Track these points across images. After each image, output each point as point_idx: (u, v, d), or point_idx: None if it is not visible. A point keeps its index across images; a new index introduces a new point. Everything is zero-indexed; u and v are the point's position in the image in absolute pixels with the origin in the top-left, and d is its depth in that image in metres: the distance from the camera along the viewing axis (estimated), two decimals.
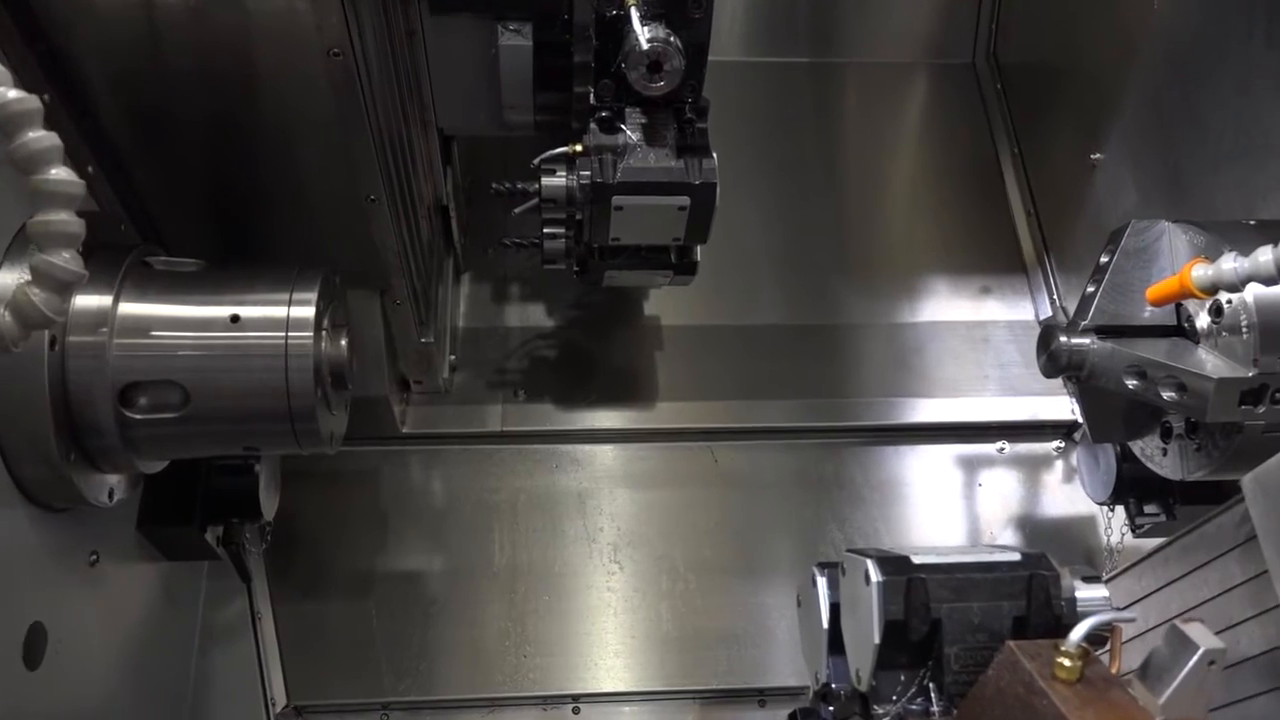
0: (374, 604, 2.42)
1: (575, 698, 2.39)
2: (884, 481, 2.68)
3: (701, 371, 2.73)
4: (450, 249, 2.68)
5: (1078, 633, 1.10)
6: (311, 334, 1.59)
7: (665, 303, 2.79)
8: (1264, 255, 1.39)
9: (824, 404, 2.73)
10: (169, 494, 1.94)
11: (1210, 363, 1.67)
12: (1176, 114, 2.31)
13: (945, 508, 2.66)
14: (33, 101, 1.10)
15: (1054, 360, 1.81)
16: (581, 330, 2.76)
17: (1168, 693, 1.06)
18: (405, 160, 2.05)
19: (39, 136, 1.10)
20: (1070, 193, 2.76)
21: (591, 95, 1.89)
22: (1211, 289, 1.49)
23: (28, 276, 1.23)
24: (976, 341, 2.85)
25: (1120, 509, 2.29)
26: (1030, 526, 2.64)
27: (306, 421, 1.61)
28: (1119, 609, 1.23)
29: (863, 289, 2.94)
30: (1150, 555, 1.66)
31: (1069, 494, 2.63)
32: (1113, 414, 1.94)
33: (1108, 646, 1.22)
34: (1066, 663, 1.10)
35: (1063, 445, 2.71)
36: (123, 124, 1.71)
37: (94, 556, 1.75)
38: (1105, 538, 2.43)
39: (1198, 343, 1.74)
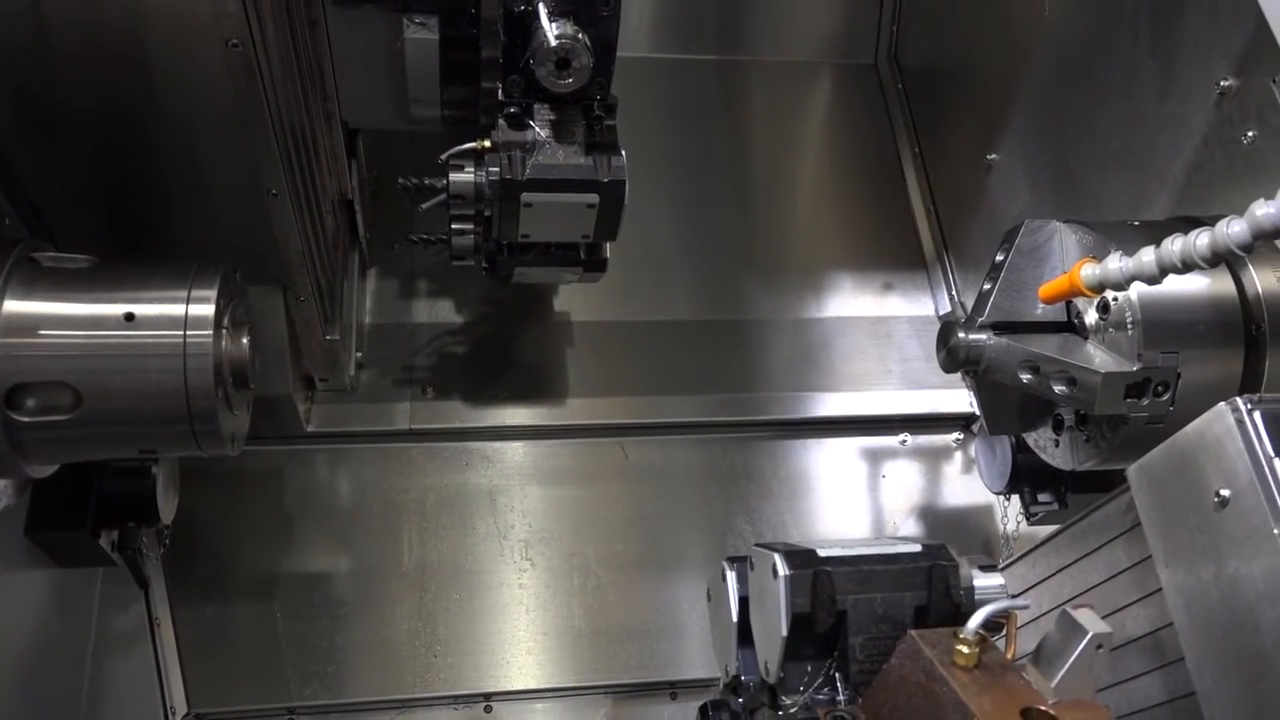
0: (279, 607, 2.37)
1: (487, 696, 2.39)
2: (791, 474, 2.73)
3: (612, 367, 2.74)
4: (356, 244, 2.64)
5: (974, 621, 1.14)
6: (211, 332, 1.54)
7: (575, 298, 2.80)
8: (1146, 256, 1.45)
9: (732, 399, 2.77)
10: (60, 498, 1.87)
11: (1098, 358, 1.73)
12: (1066, 117, 2.40)
13: (850, 499, 2.72)
14: None
15: (953, 356, 1.86)
16: (491, 326, 2.75)
17: (1059, 675, 1.10)
18: (308, 153, 2.01)
19: None
20: (967, 192, 2.85)
21: (500, 91, 1.88)
22: (1099, 287, 1.55)
23: None
24: (879, 336, 2.92)
25: (1016, 498, 2.38)
26: (932, 516, 2.72)
27: (207, 423, 1.56)
28: (1013, 596, 1.27)
29: (769, 285, 2.98)
30: (1043, 543, 1.72)
31: (968, 484, 2.71)
32: (1008, 407, 2.00)
33: (1004, 632, 1.27)
34: (965, 649, 1.14)
35: (961, 437, 2.79)
36: (3, 110, 1.64)
37: None
38: (1002, 526, 2.51)
39: (1087, 338, 1.81)
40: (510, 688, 2.39)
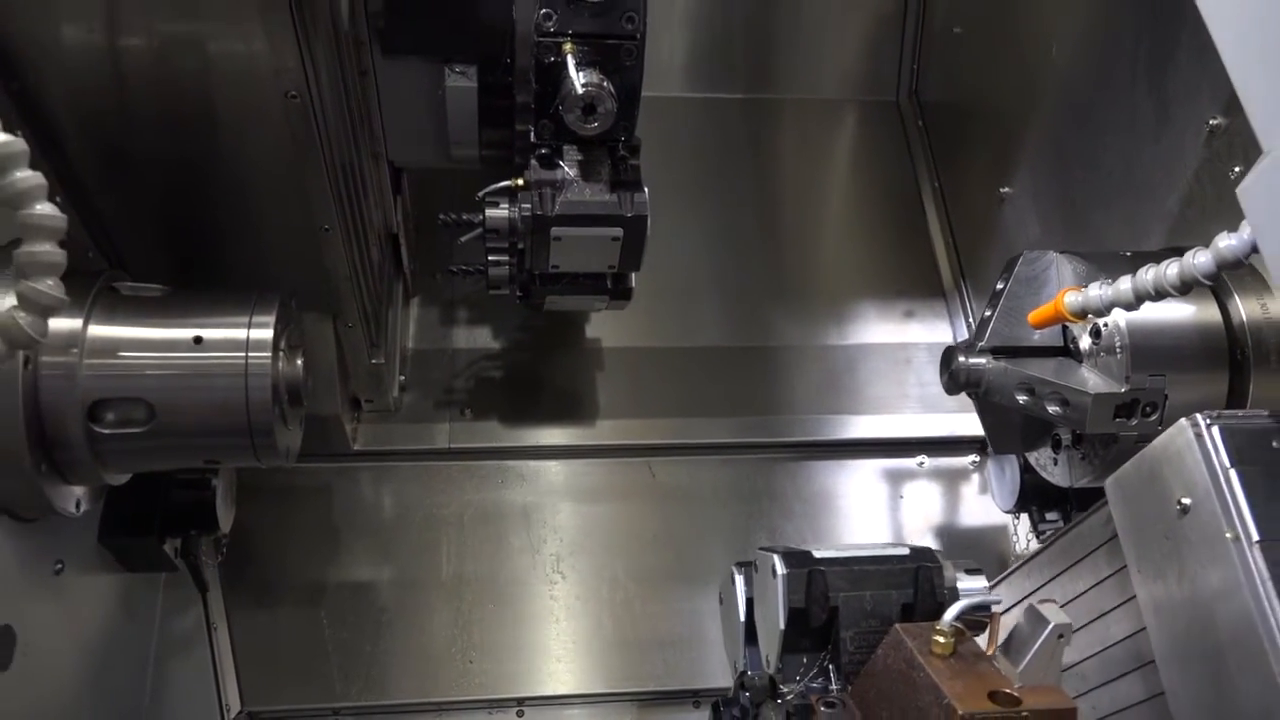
0: (325, 613, 2.53)
1: (519, 701, 2.52)
2: (813, 494, 2.84)
3: (641, 391, 2.88)
4: (400, 274, 2.81)
5: (949, 614, 1.26)
6: (270, 354, 1.71)
7: (606, 325, 2.94)
8: (1124, 284, 1.57)
9: (757, 421, 2.90)
10: (130, 507, 2.03)
11: (1090, 380, 1.85)
12: (1072, 153, 2.51)
13: (870, 519, 2.83)
14: (19, 144, 1.22)
15: (954, 378, 1.98)
16: (526, 352, 2.90)
17: (1024, 662, 1.22)
18: (357, 191, 2.18)
19: (26, 176, 1.22)
20: (983, 224, 2.96)
21: (532, 134, 2.04)
22: (1081, 313, 1.67)
23: (9, 301, 1.36)
24: (899, 362, 3.03)
25: (1025, 516, 2.48)
26: (948, 535, 2.82)
27: (265, 436, 1.73)
28: (991, 596, 1.39)
29: (794, 312, 3.11)
30: (1036, 554, 1.83)
31: (983, 504, 2.81)
32: (1010, 428, 2.11)
33: (987, 629, 1.38)
34: (941, 640, 1.26)
35: (978, 459, 2.89)
36: (89, 158, 1.83)
37: (59, 565, 1.85)
38: (1014, 543, 2.61)
39: (1081, 362, 1.92)
40: (541, 693, 2.52)
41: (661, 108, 3.42)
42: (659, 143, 3.28)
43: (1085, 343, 1.91)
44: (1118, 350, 1.81)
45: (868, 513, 2.83)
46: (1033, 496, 2.38)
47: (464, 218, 2.15)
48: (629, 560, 2.68)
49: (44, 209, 1.23)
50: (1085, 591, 1.66)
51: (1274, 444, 1.35)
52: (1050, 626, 1.21)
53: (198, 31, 1.70)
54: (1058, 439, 2.05)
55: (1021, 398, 1.92)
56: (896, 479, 2.89)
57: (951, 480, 2.88)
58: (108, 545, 2.04)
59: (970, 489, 2.87)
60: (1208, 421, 1.35)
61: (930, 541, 2.80)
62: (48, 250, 1.24)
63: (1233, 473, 1.31)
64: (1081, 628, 1.69)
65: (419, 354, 2.85)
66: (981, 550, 2.76)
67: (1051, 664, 1.23)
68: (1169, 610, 1.39)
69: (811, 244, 3.31)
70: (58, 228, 1.24)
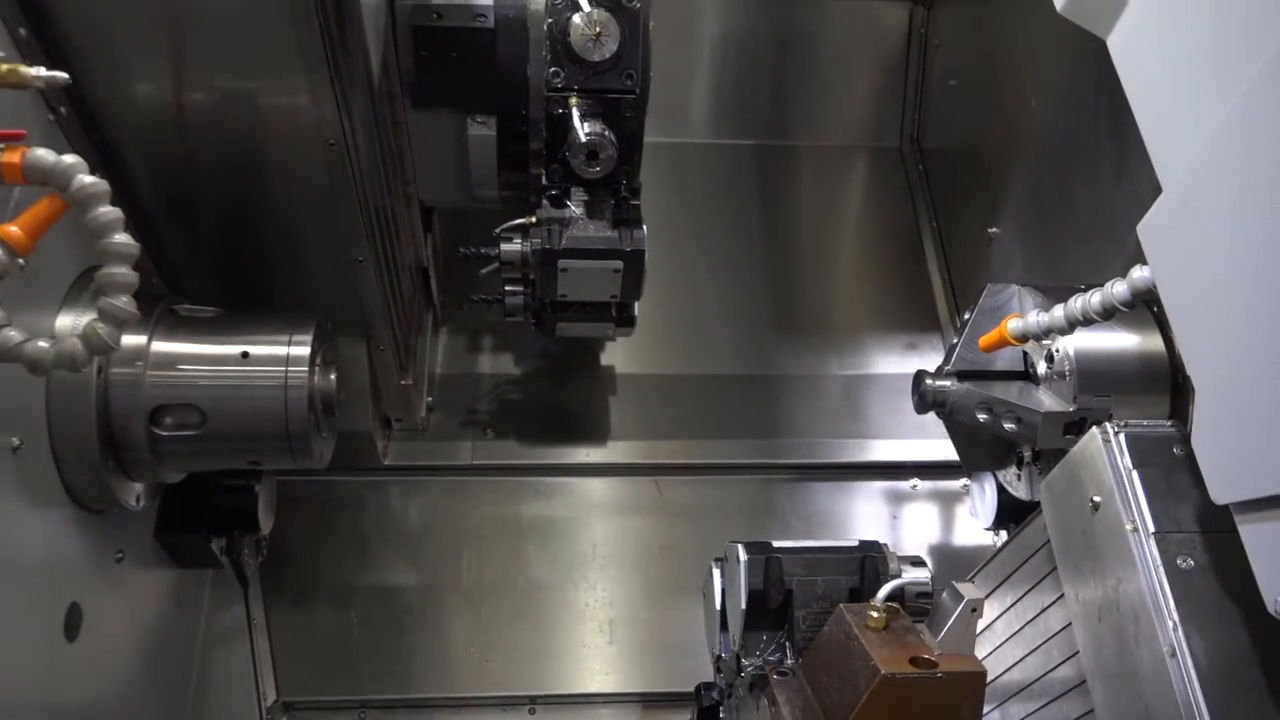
0: (355, 614, 2.75)
1: (532, 699, 2.72)
2: (811, 513, 3.02)
3: (651, 414, 3.09)
4: (430, 304, 3.06)
5: (881, 594, 1.46)
6: (306, 369, 1.95)
7: (619, 353, 3.17)
8: (1057, 311, 1.77)
9: (760, 444, 3.09)
10: (181, 507, 2.28)
11: (1044, 400, 2.04)
12: (1049, 197, 2.71)
13: (865, 536, 2.97)
14: (103, 185, 1.47)
15: (922, 399, 2.18)
16: (544, 378, 3.13)
17: (943, 632, 1.40)
18: (389, 228, 2.42)
19: (107, 210, 1.47)
20: (974, 261, 3.16)
21: (543, 176, 2.28)
22: (1023, 337, 1.87)
23: (85, 317, 1.61)
24: (895, 391, 3.20)
25: (1005, 533, 2.64)
26: (938, 552, 2.98)
27: (301, 441, 1.96)
28: (920, 578, 1.57)
29: (799, 344, 3.31)
30: (992, 558, 2.01)
31: (971, 524, 2.97)
32: (979, 447, 2.30)
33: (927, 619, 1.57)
34: (874, 614, 1.46)
35: (967, 483, 3.05)
36: (154, 197, 2.09)
37: (120, 555, 2.09)
38: None
39: (1038, 384, 2.11)
40: (553, 692, 2.72)
41: (682, 153, 3.67)
42: (678, 185, 3.55)
43: (1041, 368, 2.09)
44: (1068, 374, 1.99)
45: (864, 531, 3.01)
46: (1009, 514, 2.54)
47: (482, 251, 2.39)
48: (637, 571, 2.88)
49: (121, 238, 1.48)
50: (1031, 589, 1.84)
51: (1174, 450, 1.53)
52: (964, 601, 1.40)
53: (249, 88, 1.95)
54: (1020, 457, 2.23)
55: (981, 416, 2.11)
56: (891, 500, 3.06)
57: (943, 501, 3.06)
58: (162, 541, 2.28)
59: (960, 509, 3.04)
60: (1115, 429, 1.54)
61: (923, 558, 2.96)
62: (124, 272, 1.49)
63: (1135, 474, 1.50)
64: (1027, 624, 1.87)
65: (446, 378, 3.08)
66: (968, 565, 2.89)
67: (966, 634, 1.41)
68: (1085, 597, 1.57)
69: (817, 279, 3.51)
70: (132, 254, 1.49)
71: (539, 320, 2.53)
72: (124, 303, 1.49)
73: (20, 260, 1.44)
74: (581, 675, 2.75)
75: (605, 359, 3.18)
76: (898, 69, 3.65)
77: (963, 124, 3.33)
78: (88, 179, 1.46)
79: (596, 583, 2.85)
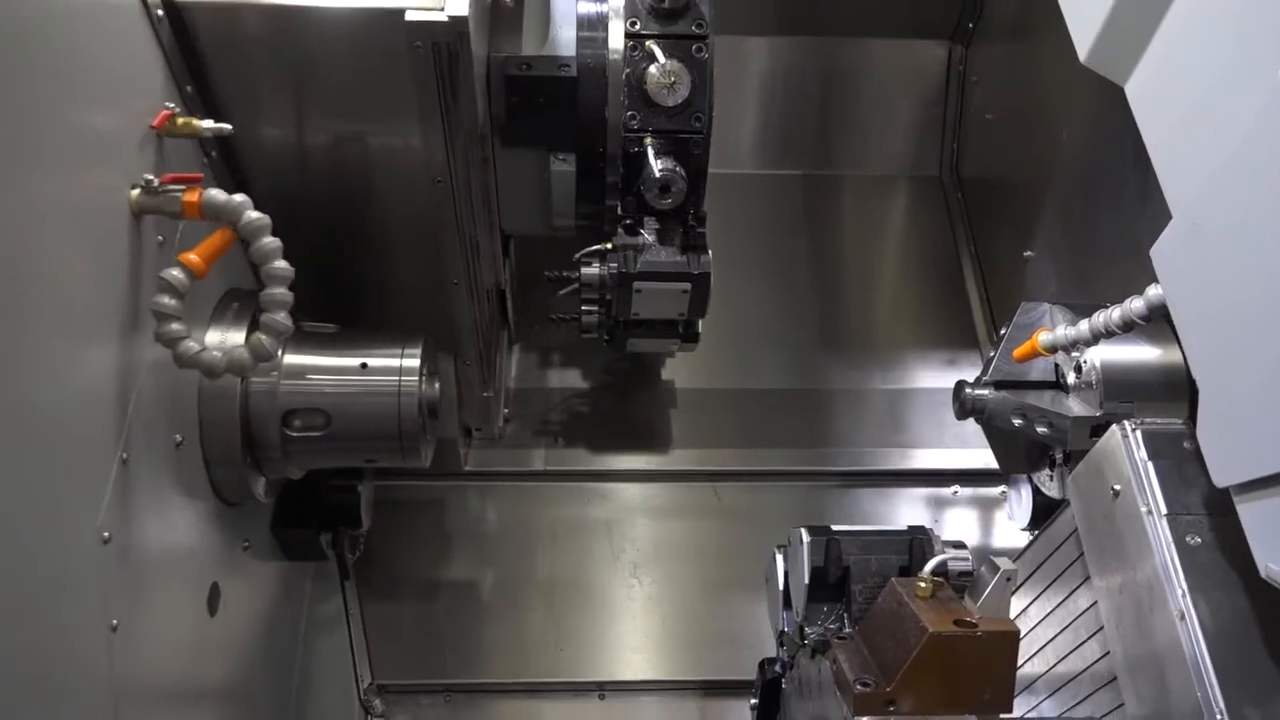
0: (440, 606, 3.01)
1: (600, 685, 2.96)
2: (857, 518, 3.24)
3: (708, 425, 3.34)
4: (505, 324, 3.33)
5: (927, 568, 1.70)
6: (417, 378, 2.22)
7: (679, 369, 3.42)
8: (1083, 325, 2.00)
9: (810, 453, 3.33)
10: (295, 505, 2.56)
11: (1074, 407, 2.26)
12: (1079, 221, 2.93)
13: None
14: (265, 219, 1.76)
15: (962, 406, 2.41)
16: (610, 391, 3.39)
17: (981, 599, 1.63)
18: (477, 254, 2.70)
19: (269, 241, 1.75)
20: (1010, 282, 3.38)
21: (619, 208, 2.54)
22: (1052, 348, 2.10)
23: (231, 332, 1.90)
24: (937, 404, 3.43)
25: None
26: (978, 553, 3.15)
27: (411, 441, 2.23)
28: (961, 559, 1.80)
29: (846, 360, 3.55)
30: (1027, 547, 2.23)
31: (1009, 526, 3.18)
32: (1016, 451, 2.53)
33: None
34: (922, 585, 1.69)
35: (1005, 489, 3.27)
36: (278, 227, 2.37)
37: (247, 544, 2.36)
38: None
39: (1068, 393, 2.33)
40: (620, 679, 2.96)
41: (734, 183, 3.92)
42: (730, 213, 3.80)
43: (1071, 377, 2.32)
44: (1095, 383, 2.22)
45: None
46: (1043, 516, 2.75)
47: (564, 274, 2.65)
48: (696, 569, 3.11)
49: (281, 264, 1.76)
50: (1062, 573, 2.05)
51: (1185, 444, 1.75)
52: (1000, 572, 1.62)
53: (368, 133, 2.24)
54: (1053, 459, 2.45)
55: (1017, 421, 2.33)
56: (933, 505, 3.28)
57: (982, 506, 3.27)
58: (277, 534, 2.56)
59: (998, 514, 3.25)
60: (1133, 426, 1.77)
61: None
62: (282, 293, 1.77)
63: (1150, 465, 1.73)
64: (1059, 606, 2.08)
65: (520, 391, 3.35)
66: None
67: (1002, 600, 1.63)
68: (1109, 574, 1.80)
69: (861, 299, 3.74)
70: (288, 277, 1.77)
71: (611, 337, 2.78)
72: (282, 318, 1.77)
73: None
74: (646, 664, 2.99)
75: (665, 374, 3.43)
76: (937, 103, 3.88)
77: (999, 154, 3.56)
78: (254, 214, 1.75)
79: (659, 579, 3.09)
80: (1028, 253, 3.24)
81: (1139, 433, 1.76)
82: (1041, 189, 3.17)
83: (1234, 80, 1.55)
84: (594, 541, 3.14)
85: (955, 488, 3.30)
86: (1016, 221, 3.37)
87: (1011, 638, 1.60)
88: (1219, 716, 1.51)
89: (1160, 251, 1.73)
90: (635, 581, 3.09)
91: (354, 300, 2.57)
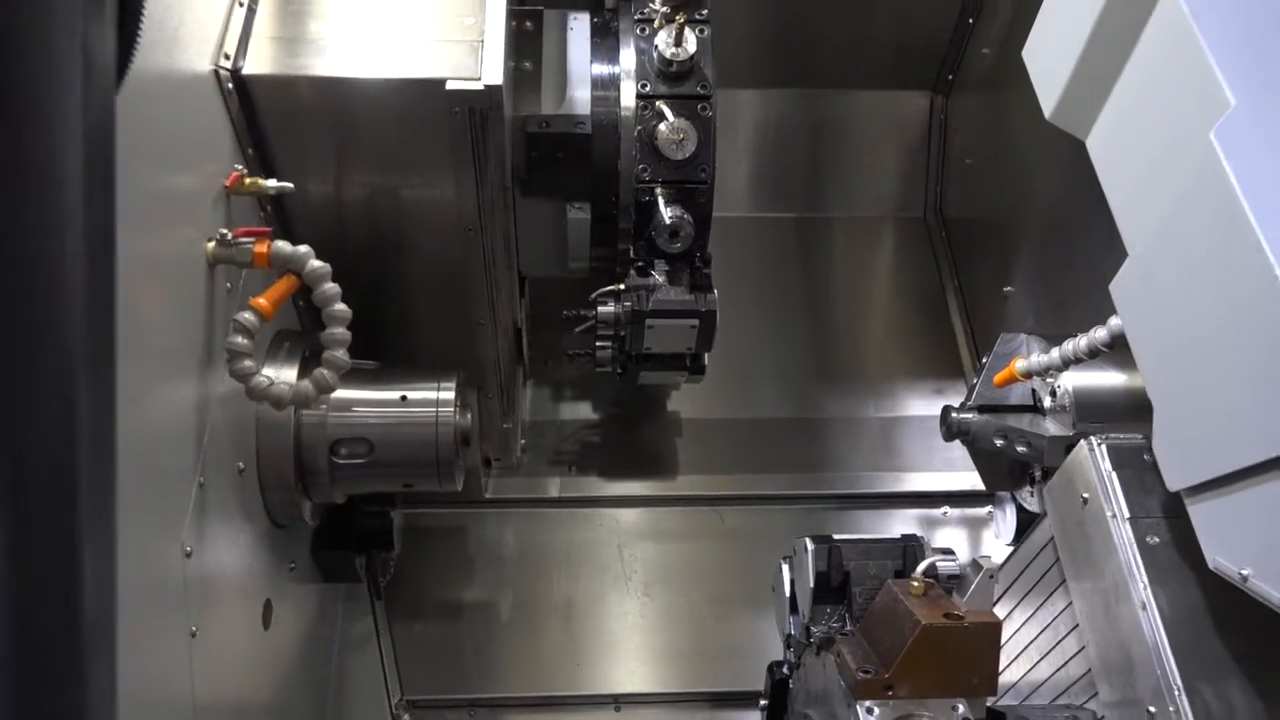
0: (464, 625, 3.20)
1: (615, 698, 3.14)
2: None
3: (713, 453, 3.55)
4: (521, 360, 3.55)
5: (919, 569, 1.91)
6: (453, 410, 2.44)
7: (683, 401, 3.64)
8: (1054, 353, 2.23)
9: (808, 477, 3.54)
10: (333, 529, 2.76)
11: (1050, 427, 2.48)
12: (1053, 259, 3.18)
13: None
14: (327, 267, 1.98)
15: (949, 429, 2.63)
16: (619, 422, 3.60)
17: (967, 595, 1.84)
18: (498, 295, 2.92)
19: (330, 286, 1.98)
20: (992, 316, 3.62)
21: (631, 251, 2.78)
22: (1028, 374, 2.33)
23: (285, 369, 2.12)
24: (925, 431, 3.65)
25: None
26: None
27: (448, 467, 2.44)
28: (949, 561, 2.01)
29: (840, 391, 3.77)
30: (1010, 555, 2.44)
31: (996, 544, 3.38)
32: (998, 469, 2.74)
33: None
34: (915, 584, 1.90)
35: (992, 508, 3.48)
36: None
37: (293, 565, 2.56)
38: None
39: (1045, 415, 2.55)
40: (634, 691, 3.14)
41: (731, 225, 4.15)
42: (728, 254, 4.03)
43: (1047, 401, 2.54)
44: (1068, 406, 2.44)
45: None
46: (1028, 530, 2.97)
47: (580, 313, 2.88)
48: (703, 587, 3.31)
49: (340, 307, 1.99)
50: (1041, 578, 2.27)
51: (1145, 456, 1.98)
52: (984, 570, 1.84)
53: (404, 185, 2.47)
54: (1032, 476, 2.67)
55: (998, 442, 2.56)
56: (925, 525, 3.49)
57: (970, 525, 3.48)
58: (317, 557, 2.76)
59: (985, 533, 3.47)
60: (1098, 441, 2.00)
61: None
62: (342, 332, 1.99)
63: (1114, 475, 1.95)
64: (1039, 609, 2.29)
65: (535, 424, 3.56)
66: None
67: (986, 595, 1.85)
68: (1081, 574, 2.01)
69: (853, 334, 3.98)
70: (347, 317, 2.00)
71: (624, 370, 3.01)
72: (342, 354, 1.99)
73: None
74: (658, 677, 3.18)
75: (671, 406, 3.65)
76: (920, 149, 4.15)
77: (979, 197, 3.82)
78: (317, 263, 1.98)
79: (669, 597, 3.29)
80: (1007, 288, 3.49)
81: (1104, 447, 1.99)
82: (1019, 229, 3.43)
83: (1175, 139, 1.79)
84: (606, 563, 3.34)
85: (945, 508, 3.51)
86: (997, 259, 3.62)
87: (995, 628, 1.81)
88: (1177, 693, 1.72)
89: (1118, 287, 1.96)
90: (647, 599, 3.28)
91: (389, 338, 2.78)
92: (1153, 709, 1.76)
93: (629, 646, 3.22)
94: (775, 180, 4.22)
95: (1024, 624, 2.35)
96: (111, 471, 0.98)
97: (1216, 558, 1.68)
